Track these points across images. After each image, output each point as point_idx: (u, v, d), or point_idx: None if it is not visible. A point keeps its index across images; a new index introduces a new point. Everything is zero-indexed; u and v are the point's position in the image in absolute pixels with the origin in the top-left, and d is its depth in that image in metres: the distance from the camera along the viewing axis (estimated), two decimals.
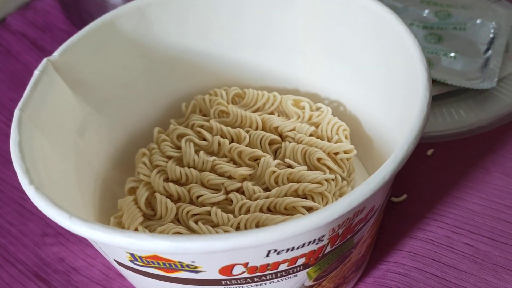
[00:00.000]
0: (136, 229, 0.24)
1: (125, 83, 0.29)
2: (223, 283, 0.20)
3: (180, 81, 0.31)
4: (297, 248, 0.19)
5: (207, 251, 0.17)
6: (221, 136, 0.28)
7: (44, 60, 0.25)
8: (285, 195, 0.25)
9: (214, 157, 0.27)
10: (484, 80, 0.33)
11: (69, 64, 0.25)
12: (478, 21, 0.37)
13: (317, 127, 0.29)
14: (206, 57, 0.31)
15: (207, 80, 0.31)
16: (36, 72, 0.24)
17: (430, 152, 0.32)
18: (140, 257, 0.19)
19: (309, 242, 0.19)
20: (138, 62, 0.29)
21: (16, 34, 0.43)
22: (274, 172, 0.26)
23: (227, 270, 0.19)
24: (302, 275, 0.21)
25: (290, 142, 0.28)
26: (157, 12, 0.28)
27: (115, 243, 0.18)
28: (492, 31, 0.36)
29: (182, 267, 0.19)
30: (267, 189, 0.26)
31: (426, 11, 0.38)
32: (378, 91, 0.27)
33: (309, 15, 0.28)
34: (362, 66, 0.28)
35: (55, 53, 0.25)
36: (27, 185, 0.20)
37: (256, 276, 0.20)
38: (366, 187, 0.18)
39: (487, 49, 0.35)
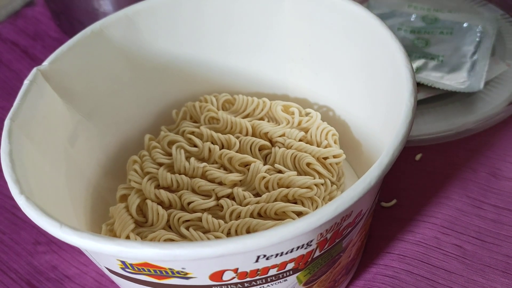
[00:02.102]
0: (128, 237, 0.25)
1: (115, 91, 0.29)
2: None
3: (170, 88, 0.31)
4: (286, 253, 0.19)
5: (196, 258, 0.17)
6: (212, 143, 0.29)
7: (34, 70, 0.25)
8: (275, 200, 0.26)
9: (204, 164, 0.27)
10: (471, 83, 0.34)
11: (58, 73, 0.26)
12: (464, 25, 0.37)
13: (306, 132, 0.29)
14: (195, 64, 0.31)
15: (197, 87, 0.31)
16: (26, 82, 0.24)
17: (418, 157, 0.32)
18: (131, 264, 0.19)
19: (298, 247, 0.19)
20: (128, 70, 0.29)
21: (7, 42, 0.43)
22: (264, 177, 0.26)
23: (217, 276, 0.19)
24: (292, 280, 0.21)
25: (280, 148, 0.28)
26: (146, 20, 0.28)
27: (106, 252, 0.18)
28: (478, 34, 0.37)
29: (172, 273, 0.19)
30: (257, 195, 0.27)
31: (413, 16, 0.39)
32: (365, 96, 0.27)
33: (296, 20, 0.29)
34: (348, 71, 0.28)
35: (45, 63, 0.25)
36: (18, 195, 0.20)
37: (246, 281, 0.20)
38: (352, 192, 0.18)
39: (474, 53, 0.36)
